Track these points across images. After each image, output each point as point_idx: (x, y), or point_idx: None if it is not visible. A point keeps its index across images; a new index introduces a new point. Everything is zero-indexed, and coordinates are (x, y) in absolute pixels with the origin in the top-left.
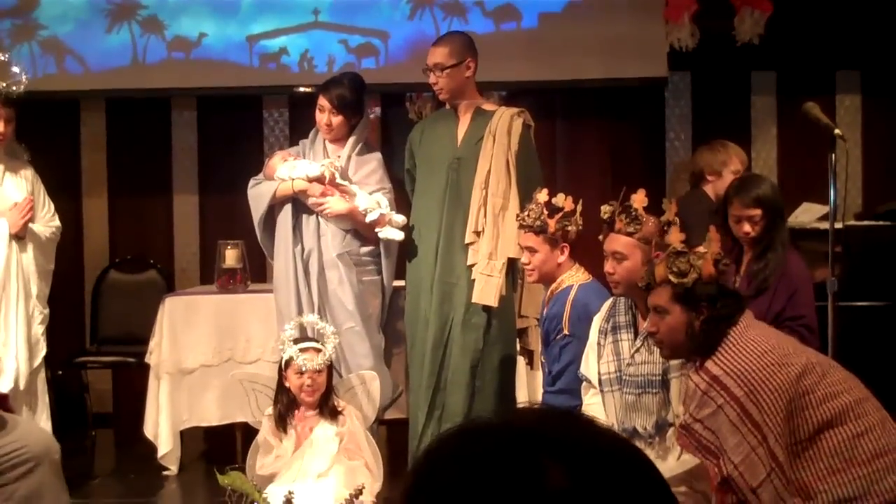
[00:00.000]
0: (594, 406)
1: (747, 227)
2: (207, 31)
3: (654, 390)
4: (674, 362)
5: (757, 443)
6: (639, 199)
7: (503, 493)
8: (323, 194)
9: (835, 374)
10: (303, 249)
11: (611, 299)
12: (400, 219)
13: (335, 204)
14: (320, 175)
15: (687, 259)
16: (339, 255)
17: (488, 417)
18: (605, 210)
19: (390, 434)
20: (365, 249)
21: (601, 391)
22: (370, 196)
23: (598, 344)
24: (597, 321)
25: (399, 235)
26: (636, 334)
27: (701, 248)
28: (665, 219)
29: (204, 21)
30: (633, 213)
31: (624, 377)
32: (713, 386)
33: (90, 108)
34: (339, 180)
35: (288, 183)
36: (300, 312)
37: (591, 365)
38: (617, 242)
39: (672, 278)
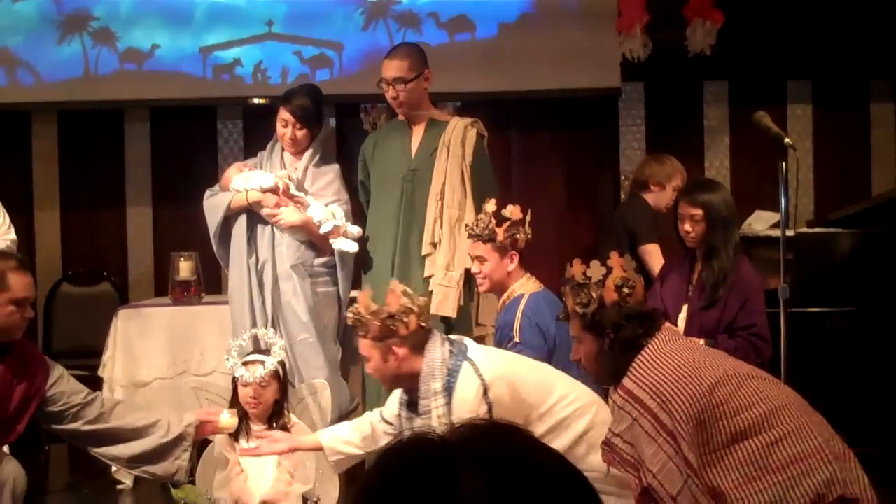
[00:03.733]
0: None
1: (688, 226)
2: (160, 42)
3: None
4: None
5: (673, 452)
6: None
7: (420, 500)
8: (277, 205)
9: (751, 385)
10: (257, 260)
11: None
12: (355, 230)
13: (289, 214)
14: (274, 186)
15: (587, 290)
16: (293, 266)
17: (432, 430)
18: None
19: None
20: (319, 260)
21: None
22: (325, 207)
23: None
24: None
25: (353, 247)
26: None
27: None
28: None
29: (156, 32)
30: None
31: None
32: (628, 400)
33: (42, 120)
34: (293, 191)
35: (242, 194)
36: (254, 324)
37: (391, 403)
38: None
39: (578, 310)
